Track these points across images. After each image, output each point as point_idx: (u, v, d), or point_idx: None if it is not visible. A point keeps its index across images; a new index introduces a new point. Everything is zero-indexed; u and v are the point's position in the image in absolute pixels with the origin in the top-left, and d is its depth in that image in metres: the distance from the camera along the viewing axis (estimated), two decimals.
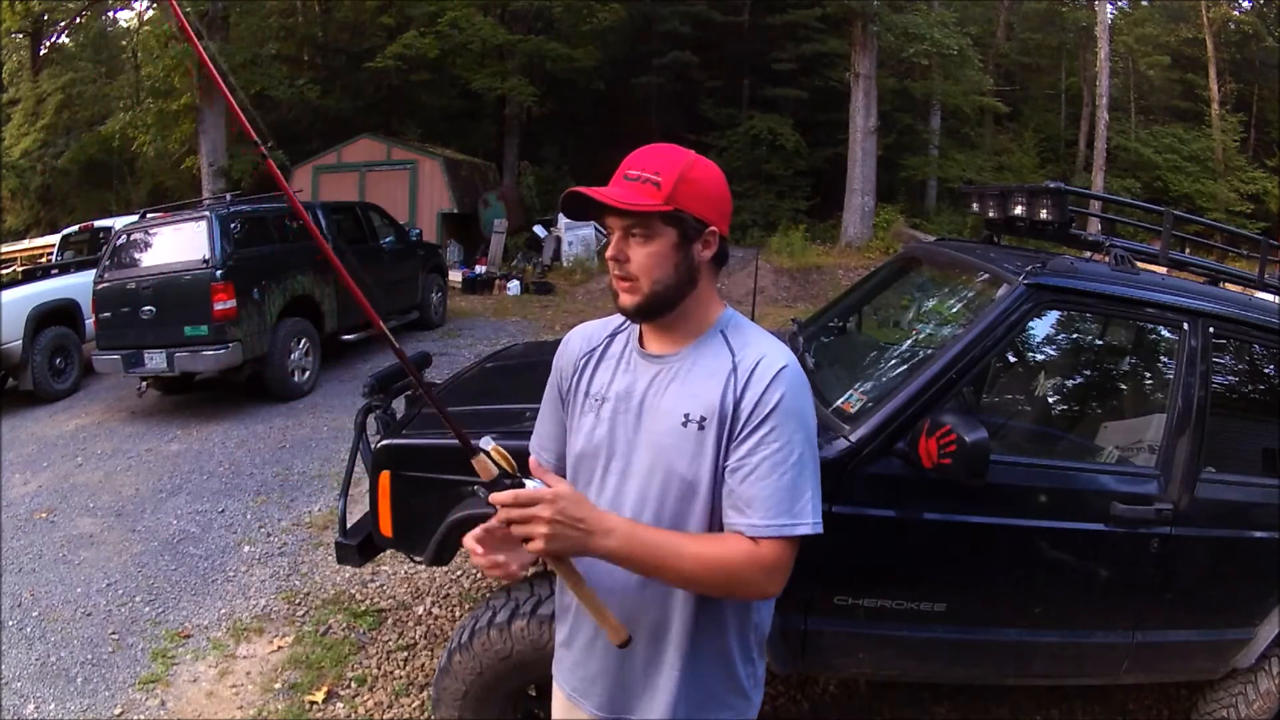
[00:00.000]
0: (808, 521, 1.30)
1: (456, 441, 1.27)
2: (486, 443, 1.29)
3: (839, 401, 2.49)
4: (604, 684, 1.47)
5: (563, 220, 14.74)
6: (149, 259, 6.99)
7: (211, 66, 1.32)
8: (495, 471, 1.27)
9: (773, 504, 1.29)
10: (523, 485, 1.26)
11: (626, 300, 1.37)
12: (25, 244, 13.29)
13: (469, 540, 1.31)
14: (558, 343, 1.56)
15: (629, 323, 1.48)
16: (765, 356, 1.34)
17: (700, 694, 1.41)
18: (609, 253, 1.37)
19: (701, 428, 1.34)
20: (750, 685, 1.46)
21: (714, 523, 1.37)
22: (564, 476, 1.48)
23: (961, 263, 3.04)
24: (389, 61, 15.82)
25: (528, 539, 1.24)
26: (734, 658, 1.43)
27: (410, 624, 3.67)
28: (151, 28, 18.67)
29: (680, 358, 1.40)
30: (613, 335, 1.51)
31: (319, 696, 3.18)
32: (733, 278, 10.65)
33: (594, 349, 1.50)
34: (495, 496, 1.24)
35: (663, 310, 1.38)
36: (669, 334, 1.42)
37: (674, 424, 1.36)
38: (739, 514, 1.31)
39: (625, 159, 1.38)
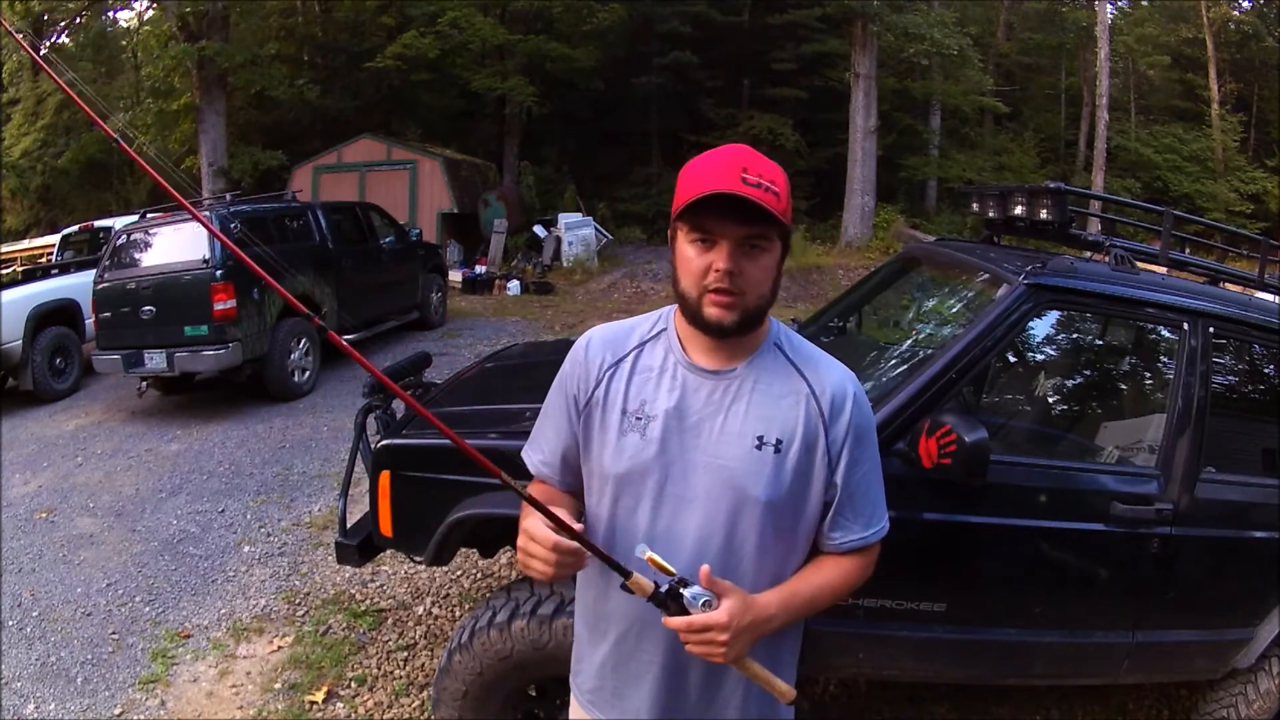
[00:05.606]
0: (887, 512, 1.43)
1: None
2: (641, 551, 1.22)
3: None
4: (652, 685, 1.41)
5: (563, 220, 14.73)
6: (149, 259, 6.99)
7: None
8: (651, 587, 1.23)
9: (875, 511, 1.40)
10: (684, 589, 1.22)
11: (726, 315, 1.27)
12: (25, 244, 13.27)
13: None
14: (558, 343, 1.51)
15: (657, 329, 1.41)
16: (839, 379, 1.37)
17: (764, 694, 1.41)
18: (723, 265, 1.24)
19: (778, 451, 1.32)
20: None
21: (786, 542, 1.36)
22: (575, 489, 1.44)
23: (961, 263, 3.03)
24: (389, 61, 15.81)
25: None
26: (784, 660, 1.48)
27: (410, 624, 3.67)
28: (151, 28, 18.71)
29: (737, 374, 1.34)
30: (642, 344, 1.40)
31: (319, 696, 3.18)
32: None
33: (621, 358, 1.39)
34: (669, 622, 1.23)
35: (754, 326, 1.32)
36: (727, 348, 1.34)
37: (745, 447, 1.31)
38: (846, 531, 1.38)
39: (726, 159, 1.25)
